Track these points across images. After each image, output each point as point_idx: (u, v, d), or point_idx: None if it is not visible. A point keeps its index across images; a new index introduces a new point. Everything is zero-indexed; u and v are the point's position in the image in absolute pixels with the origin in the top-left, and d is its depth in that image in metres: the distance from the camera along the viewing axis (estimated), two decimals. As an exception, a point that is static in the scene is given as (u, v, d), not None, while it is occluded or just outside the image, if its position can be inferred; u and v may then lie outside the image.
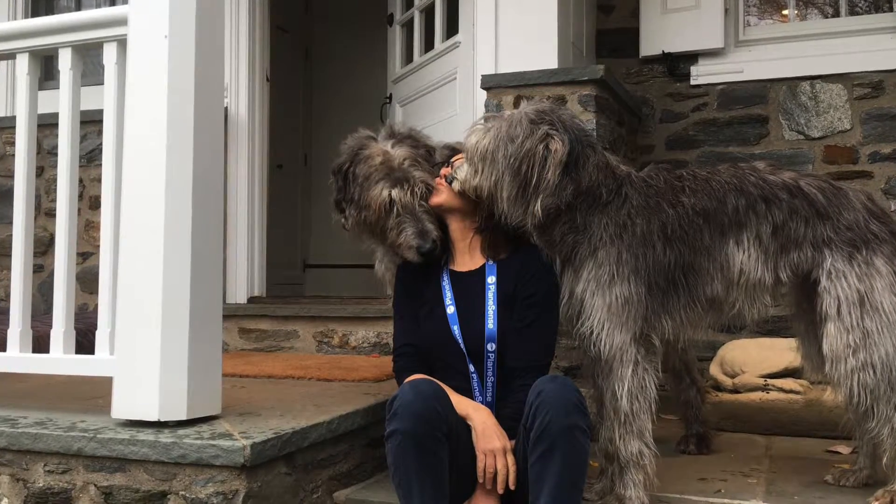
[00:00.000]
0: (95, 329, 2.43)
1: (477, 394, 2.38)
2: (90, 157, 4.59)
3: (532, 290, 2.37)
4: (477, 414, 2.24)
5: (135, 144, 2.31)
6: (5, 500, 2.30)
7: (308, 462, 2.38)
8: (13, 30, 2.62)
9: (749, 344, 3.63)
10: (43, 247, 4.54)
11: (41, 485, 2.28)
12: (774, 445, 3.20)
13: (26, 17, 5.53)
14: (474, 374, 2.37)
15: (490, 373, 2.37)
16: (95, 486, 2.22)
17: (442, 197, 2.45)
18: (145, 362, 2.24)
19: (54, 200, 2.57)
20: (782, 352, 3.42)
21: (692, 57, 4.40)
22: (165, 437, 2.15)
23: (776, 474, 2.74)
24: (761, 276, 2.41)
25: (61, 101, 2.54)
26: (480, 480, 2.20)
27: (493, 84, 3.58)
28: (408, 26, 4.83)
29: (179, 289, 2.25)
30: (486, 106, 3.59)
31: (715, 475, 2.72)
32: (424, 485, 2.06)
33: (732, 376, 3.52)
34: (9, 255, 2.61)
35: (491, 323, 2.36)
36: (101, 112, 2.46)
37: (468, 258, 2.49)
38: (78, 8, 5.73)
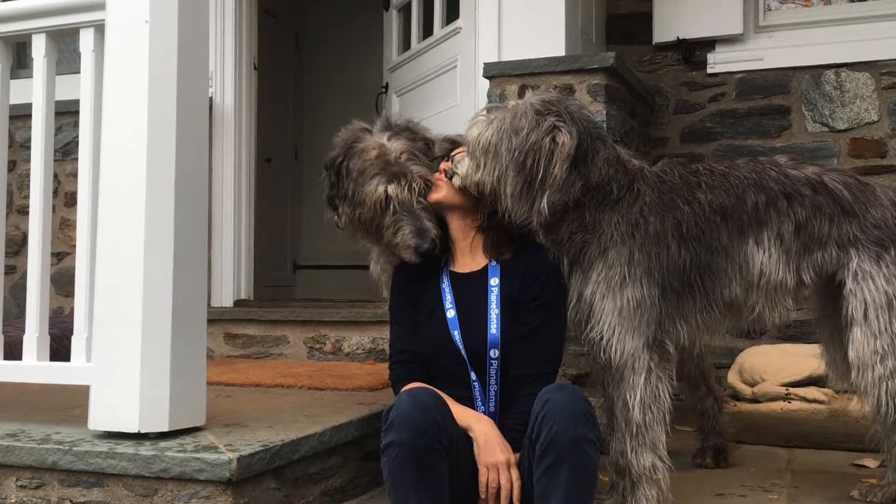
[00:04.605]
0: (71, 334, 2.43)
1: (479, 403, 2.38)
2: (66, 151, 4.60)
3: (537, 292, 2.37)
4: (479, 425, 2.24)
5: (113, 137, 2.31)
6: (-25, 517, 2.30)
7: (298, 476, 2.38)
8: (-17, 14, 2.62)
9: (770, 350, 3.64)
10: (15, 246, 4.54)
11: (13, 500, 2.28)
12: (797, 458, 3.21)
13: (-3, 1, 5.53)
14: (476, 383, 2.38)
15: (493, 381, 2.37)
16: (71, 501, 2.22)
17: (441, 193, 2.45)
18: (124, 370, 2.24)
19: (27, 197, 2.58)
20: (805, 358, 3.42)
21: (709, 43, 4.40)
22: (146, 449, 2.15)
23: (798, 489, 2.74)
24: (783, 277, 2.41)
25: (34, 91, 2.54)
26: (483, 496, 2.20)
27: (496, 72, 3.58)
28: (405, 11, 4.83)
29: (161, 291, 2.25)
30: (489, 96, 3.60)
31: (733, 490, 2.72)
32: (423, 500, 2.06)
33: (752, 385, 3.52)
34: (-22, 256, 2.61)
35: (494, 328, 2.36)
36: (77, 102, 2.46)
37: (469, 259, 2.49)
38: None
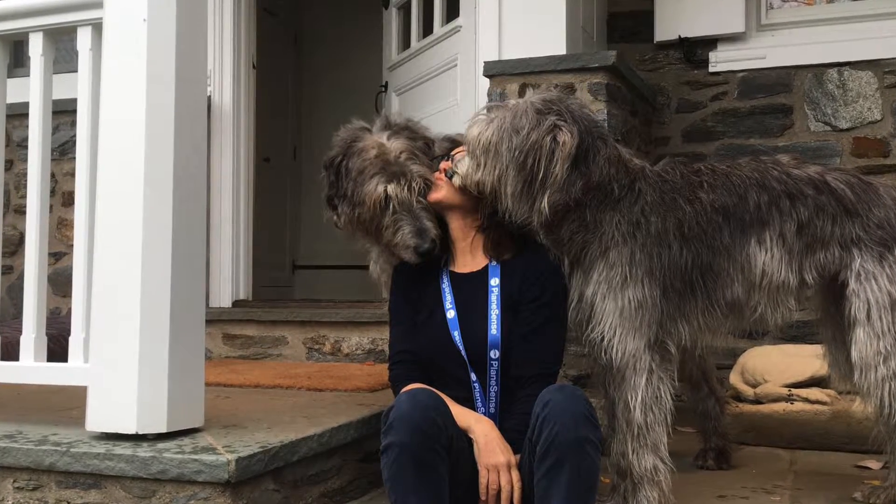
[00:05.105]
0: (69, 335, 2.43)
1: (479, 404, 2.38)
2: (63, 150, 4.60)
3: (538, 292, 2.37)
4: (479, 426, 2.24)
5: (111, 136, 2.31)
6: (-28, 518, 2.30)
7: (298, 478, 2.38)
8: (-20, 13, 2.62)
9: (772, 351, 3.64)
10: (12, 246, 4.54)
11: (10, 502, 2.27)
12: (799, 460, 3.21)
13: (-6, -1, 5.53)
14: (476, 384, 2.38)
15: (493, 382, 2.37)
16: (69, 503, 2.22)
17: (441, 193, 2.45)
18: (122, 371, 2.24)
19: (24, 196, 2.58)
20: (808, 359, 3.42)
21: (711, 42, 4.40)
22: (144, 451, 2.15)
23: (801, 491, 2.74)
24: (785, 277, 2.41)
25: (32, 90, 2.54)
26: (483, 498, 2.20)
27: (496, 71, 3.58)
28: (405, 9, 4.83)
29: (159, 292, 2.25)
30: (489, 95, 3.59)
31: (735, 492, 2.72)
32: (422, 502, 2.06)
33: (754, 386, 3.52)
34: (-25, 256, 2.61)
35: (494, 328, 2.36)
36: (74, 101, 2.46)
37: (470, 259, 2.49)
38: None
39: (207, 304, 4.23)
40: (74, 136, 2.49)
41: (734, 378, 3.62)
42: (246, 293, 4.65)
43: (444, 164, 2.49)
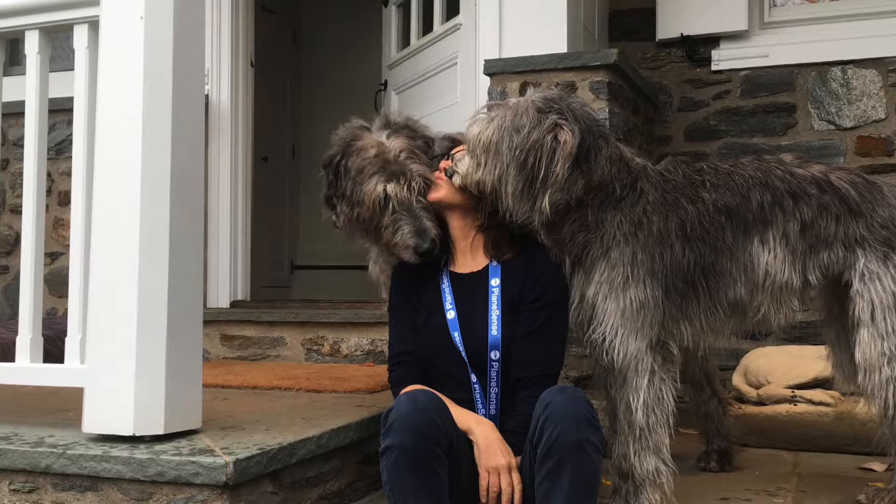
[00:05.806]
0: (65, 336, 2.43)
1: (480, 406, 2.38)
2: (59, 149, 4.60)
3: (539, 293, 2.37)
4: (479, 428, 2.24)
5: (107, 135, 2.31)
6: (-33, 521, 2.30)
7: (296, 480, 2.38)
8: (-25, 11, 2.61)
9: (775, 352, 3.64)
10: (8, 246, 4.54)
11: (6, 505, 2.28)
12: (802, 462, 3.21)
13: (-10, -4, 5.53)
14: (476, 385, 2.38)
15: (494, 383, 2.37)
16: (65, 506, 2.22)
17: (441, 192, 2.45)
18: (119, 372, 2.23)
19: (20, 196, 2.57)
20: (811, 360, 3.42)
21: (713, 40, 4.40)
22: (141, 453, 2.15)
23: (804, 493, 2.74)
24: (788, 278, 2.41)
25: (28, 88, 2.54)
26: (483, 500, 2.20)
27: (496, 69, 3.58)
28: (404, 7, 4.84)
29: (156, 292, 2.25)
30: (490, 93, 3.59)
31: (738, 494, 2.72)
32: (422, 505, 2.07)
33: (757, 387, 3.52)
34: (-29, 256, 2.61)
35: (495, 329, 2.36)
36: (71, 100, 2.46)
37: (470, 259, 2.49)
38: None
39: (205, 305, 4.24)
40: (71, 135, 2.49)
41: (737, 379, 3.62)
42: (244, 293, 4.65)
43: (444, 163, 2.49)
